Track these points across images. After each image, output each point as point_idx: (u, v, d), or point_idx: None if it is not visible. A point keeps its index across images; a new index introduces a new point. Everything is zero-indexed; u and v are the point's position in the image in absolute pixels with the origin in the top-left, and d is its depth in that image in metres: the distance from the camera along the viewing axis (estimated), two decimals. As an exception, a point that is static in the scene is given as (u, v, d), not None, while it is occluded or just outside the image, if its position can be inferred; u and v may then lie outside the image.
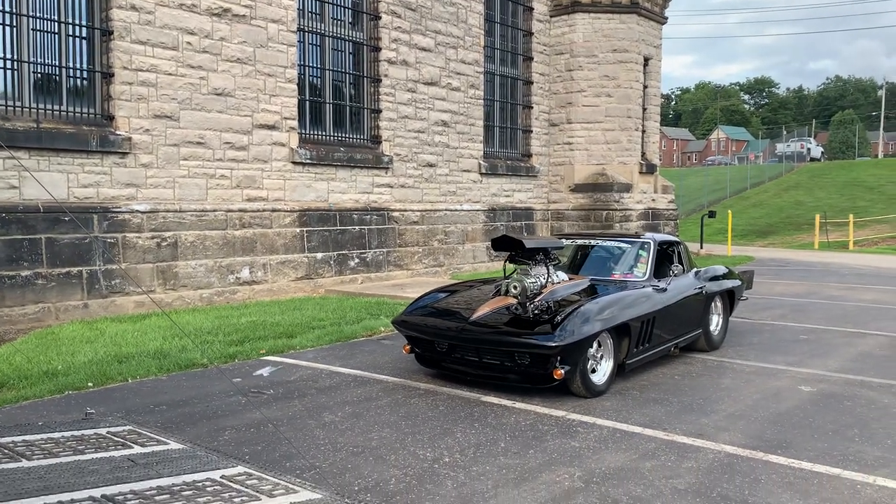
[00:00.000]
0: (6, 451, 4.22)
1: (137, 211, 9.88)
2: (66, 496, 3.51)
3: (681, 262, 7.80)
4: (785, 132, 66.33)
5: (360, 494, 3.92)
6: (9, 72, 8.95)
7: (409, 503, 3.85)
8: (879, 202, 35.27)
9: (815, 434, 5.09)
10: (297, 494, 3.72)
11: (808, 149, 61.84)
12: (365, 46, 13.39)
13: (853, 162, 54.58)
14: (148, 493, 3.62)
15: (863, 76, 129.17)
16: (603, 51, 17.58)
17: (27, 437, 4.51)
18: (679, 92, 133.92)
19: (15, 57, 8.98)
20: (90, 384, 6.24)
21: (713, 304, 7.97)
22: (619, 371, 6.39)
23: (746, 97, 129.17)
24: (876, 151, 75.13)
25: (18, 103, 9.01)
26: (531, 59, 17.44)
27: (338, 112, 13.12)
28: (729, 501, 3.93)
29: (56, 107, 9.33)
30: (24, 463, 4.02)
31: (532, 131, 17.59)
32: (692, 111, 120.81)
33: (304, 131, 12.32)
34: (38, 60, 9.22)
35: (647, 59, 18.55)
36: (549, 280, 6.54)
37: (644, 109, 18.73)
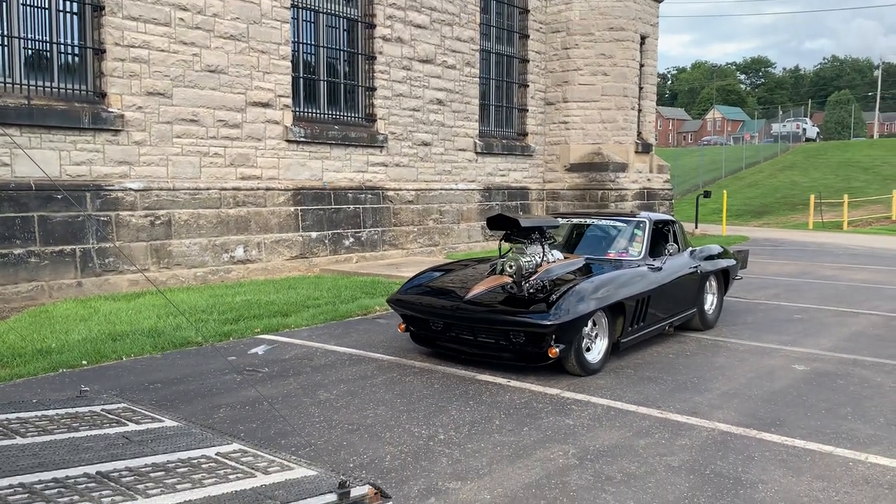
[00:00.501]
0: (0, 428, 4.21)
1: (131, 189, 9.82)
2: (60, 473, 3.50)
3: (676, 242, 7.79)
4: (781, 112, 66.26)
5: (356, 471, 3.93)
6: (-1, 47, 8.85)
7: (404, 480, 3.87)
8: (874, 183, 35.34)
9: (808, 412, 5.12)
10: (292, 471, 3.72)
11: (804, 129, 61.82)
12: (359, 23, 13.26)
13: (848, 142, 54.65)
14: (143, 469, 3.61)
15: (860, 56, 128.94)
16: (599, 29, 17.45)
17: (21, 415, 4.49)
18: (675, 71, 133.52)
19: (5, 33, 8.87)
20: (84, 362, 6.24)
21: (708, 283, 7.98)
22: (614, 350, 6.40)
23: (743, 77, 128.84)
24: (871, 132, 75.14)
25: (9, 80, 8.91)
26: (527, 36, 17.31)
27: (332, 90, 13.02)
28: (722, 478, 3.96)
29: (47, 83, 9.23)
30: (19, 440, 4.01)
31: (528, 110, 17.51)
32: (688, 91, 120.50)
33: (298, 109, 12.23)
34: (29, 36, 9.11)
35: (643, 38, 18.43)
36: (545, 259, 6.53)
37: (640, 88, 18.64)
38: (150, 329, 7.33)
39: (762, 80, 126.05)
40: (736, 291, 9.97)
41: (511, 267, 6.31)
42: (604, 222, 7.82)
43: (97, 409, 4.75)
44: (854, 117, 74.64)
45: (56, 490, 3.30)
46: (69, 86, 9.41)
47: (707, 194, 23.03)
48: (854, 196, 30.61)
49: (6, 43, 8.90)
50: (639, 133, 18.69)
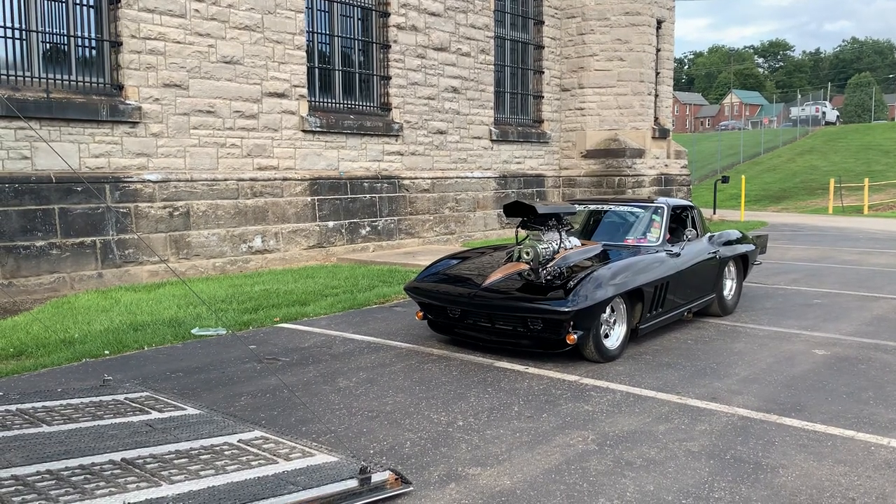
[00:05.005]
0: (27, 416, 4.29)
1: (149, 181, 9.90)
2: (86, 460, 3.57)
3: (694, 227, 7.74)
4: (800, 96, 65.40)
5: (376, 457, 3.96)
6: (17, 42, 8.92)
7: (424, 465, 3.89)
8: None
9: (829, 397, 5.09)
10: (313, 458, 3.76)
11: (824, 112, 61.04)
12: (373, 12, 13.24)
13: (869, 125, 53.87)
14: (167, 456, 3.67)
15: (880, 38, 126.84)
16: (615, 13, 17.30)
17: (47, 404, 4.57)
18: (692, 56, 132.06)
19: (23, 26, 8.94)
20: (107, 352, 6.32)
21: (727, 268, 7.93)
22: (633, 336, 6.39)
23: (760, 60, 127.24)
24: (892, 114, 74.06)
25: (28, 73, 9.00)
26: (542, 22, 17.20)
27: (347, 79, 13.02)
28: (742, 463, 3.95)
29: (65, 77, 9.31)
30: (45, 428, 4.08)
31: (543, 97, 17.42)
32: (705, 75, 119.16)
33: (313, 99, 12.25)
34: (47, 30, 9.18)
35: (659, 22, 18.25)
36: (562, 246, 6.52)
37: (657, 73, 18.48)
38: (171, 319, 7.40)
39: (780, 63, 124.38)
40: (755, 277, 9.90)
41: (528, 254, 6.30)
42: (621, 208, 7.78)
43: (120, 397, 4.82)
44: (875, 100, 73.48)
45: (82, 476, 3.36)
46: (87, 79, 9.49)
47: (725, 179, 22.83)
48: (875, 180, 30.21)
49: (25, 37, 8.98)
50: (656, 118, 18.54)
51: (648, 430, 4.44)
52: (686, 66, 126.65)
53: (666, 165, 18.71)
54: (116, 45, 9.64)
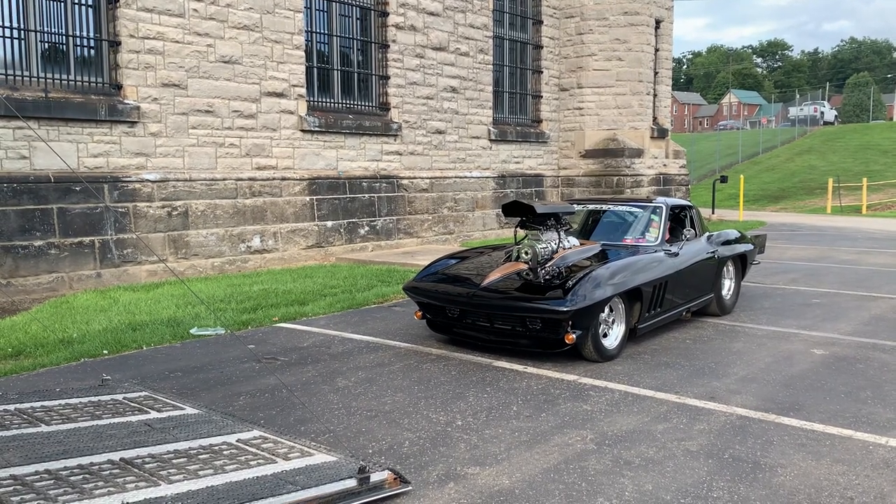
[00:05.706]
0: (26, 416, 4.29)
1: (148, 180, 9.89)
2: (85, 460, 3.56)
3: (693, 227, 7.75)
4: (798, 96, 65.42)
5: (375, 457, 3.96)
6: (16, 41, 8.92)
7: (423, 465, 3.89)
8: (894, 166, 34.88)
9: (828, 396, 5.09)
10: (312, 457, 3.76)
11: (822, 112, 61.09)
12: (372, 11, 13.24)
13: (868, 125, 53.92)
14: (165, 456, 3.67)
15: (879, 37, 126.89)
16: (614, 13, 17.30)
17: (45, 403, 4.57)
18: (691, 56, 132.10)
19: (22, 26, 8.94)
20: (105, 352, 6.31)
21: (725, 268, 7.94)
22: (631, 335, 6.39)
23: (759, 60, 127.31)
24: (891, 114, 74.13)
25: (26, 73, 8.99)
26: (541, 22, 17.20)
27: (346, 79, 13.02)
28: (741, 462, 3.95)
29: (64, 76, 9.31)
30: (44, 428, 4.08)
31: (542, 97, 17.42)
32: (704, 75, 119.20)
33: (312, 99, 12.24)
34: (45, 29, 9.17)
35: (658, 22, 18.26)
36: (561, 245, 6.52)
37: (656, 73, 18.49)
38: (170, 319, 7.40)
39: (779, 63, 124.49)
40: (753, 276, 9.91)
41: (527, 254, 6.30)
42: (620, 208, 7.78)
43: (119, 397, 4.82)
44: (873, 100, 73.51)
45: (81, 476, 3.36)
46: (85, 78, 9.48)
47: (724, 179, 22.85)
48: (873, 179, 30.24)
49: (23, 36, 8.97)
50: (654, 118, 18.55)
51: (647, 429, 4.45)
52: (684, 66, 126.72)
53: (664, 165, 18.72)
54: (115, 44, 9.64)
